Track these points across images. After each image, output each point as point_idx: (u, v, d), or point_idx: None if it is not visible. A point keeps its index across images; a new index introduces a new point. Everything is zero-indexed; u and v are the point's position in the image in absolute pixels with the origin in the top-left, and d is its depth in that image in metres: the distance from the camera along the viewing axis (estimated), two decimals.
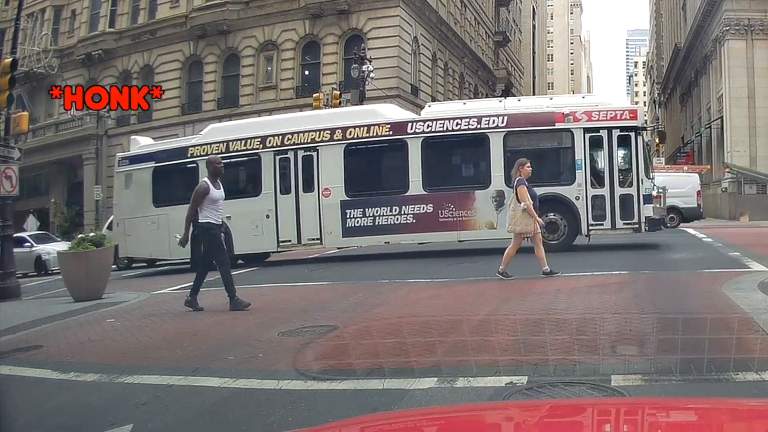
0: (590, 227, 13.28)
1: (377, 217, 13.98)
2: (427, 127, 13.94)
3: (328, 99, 29.09)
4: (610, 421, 1.83)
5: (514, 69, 66.07)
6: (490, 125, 13.57)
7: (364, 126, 14.21)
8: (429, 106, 16.40)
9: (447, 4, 43.30)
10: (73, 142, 38.35)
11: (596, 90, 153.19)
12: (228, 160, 14.71)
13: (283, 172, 14.59)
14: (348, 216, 14.08)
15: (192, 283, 8.94)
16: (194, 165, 14.88)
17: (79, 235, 11.94)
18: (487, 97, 55.16)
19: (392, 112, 15.42)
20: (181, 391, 4.89)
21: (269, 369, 5.32)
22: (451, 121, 13.85)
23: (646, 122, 14.77)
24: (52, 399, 4.99)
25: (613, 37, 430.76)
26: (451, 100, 45.33)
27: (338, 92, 29.74)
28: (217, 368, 5.43)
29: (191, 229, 8.90)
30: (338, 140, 14.32)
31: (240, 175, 15.92)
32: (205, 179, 8.83)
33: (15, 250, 18.81)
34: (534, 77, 79.83)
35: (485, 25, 54.47)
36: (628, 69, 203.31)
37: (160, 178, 15.77)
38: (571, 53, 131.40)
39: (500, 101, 15.29)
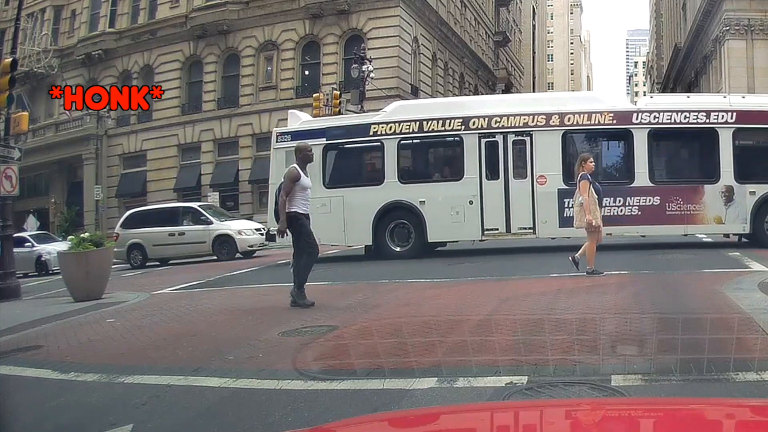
0: None
1: None
2: (654, 119, 13.39)
3: (328, 99, 29.10)
4: (610, 421, 1.83)
5: (514, 69, 66.08)
6: (719, 120, 13.20)
7: (584, 113, 13.61)
8: (651, 97, 15.73)
9: (447, 4, 43.30)
10: (73, 142, 38.36)
11: (596, 90, 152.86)
12: (421, 140, 14.43)
13: (490, 156, 13.79)
14: (566, 205, 13.15)
15: (298, 277, 8.40)
16: (378, 144, 14.22)
17: (82, 234, 11.90)
18: None
19: (613, 99, 14.84)
20: (181, 391, 4.89)
21: (269, 369, 5.32)
22: (679, 113, 13.40)
23: None
24: (52, 399, 4.99)
25: (613, 37, 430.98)
26: None
27: (338, 92, 29.76)
28: (217, 368, 5.43)
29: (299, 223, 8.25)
30: (555, 126, 13.56)
31: (436, 157, 15.18)
32: (294, 165, 8.35)
33: (16, 250, 18.82)
34: (534, 77, 79.84)
35: (485, 25, 54.47)
36: (628, 69, 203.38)
37: (333, 156, 14.77)
38: (571, 53, 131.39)
39: (724, 96, 14.78)
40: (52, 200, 40.29)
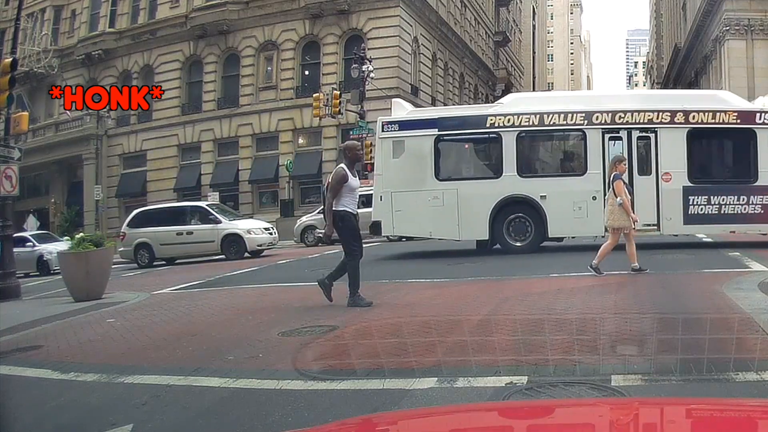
0: None
1: (722, 206, 13.34)
2: None
3: (328, 99, 29.11)
4: (610, 421, 1.83)
5: (514, 69, 66.09)
6: None
7: (709, 111, 13.54)
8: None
9: (447, 4, 43.31)
10: (73, 142, 38.36)
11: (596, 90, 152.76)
12: (542, 134, 14.21)
13: (614, 151, 13.50)
14: (691, 203, 13.25)
15: (349, 282, 8.22)
16: (495, 136, 13.97)
17: (77, 235, 11.88)
18: (487, 97, 55.20)
19: (735, 99, 14.78)
20: (181, 391, 4.89)
21: (269, 369, 5.32)
22: None
23: None
24: (52, 399, 4.99)
25: (613, 37, 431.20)
26: (451, 100, 45.37)
27: (338, 92, 29.76)
28: (217, 368, 5.43)
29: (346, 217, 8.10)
30: (680, 124, 13.48)
31: (558, 152, 14.95)
32: (342, 165, 8.25)
33: (17, 250, 18.82)
34: (534, 77, 79.86)
35: (485, 25, 54.47)
36: (628, 69, 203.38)
37: (446, 148, 14.45)
38: (571, 53, 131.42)
39: None
40: (52, 200, 40.29)
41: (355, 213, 8.19)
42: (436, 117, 14.89)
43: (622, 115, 13.67)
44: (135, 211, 21.17)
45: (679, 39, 52.05)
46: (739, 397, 3.65)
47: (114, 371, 5.51)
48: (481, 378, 4.56)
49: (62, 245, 17.32)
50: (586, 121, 13.73)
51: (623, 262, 10.35)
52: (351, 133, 30.80)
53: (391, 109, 15.54)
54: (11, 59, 12.09)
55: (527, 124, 13.76)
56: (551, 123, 13.90)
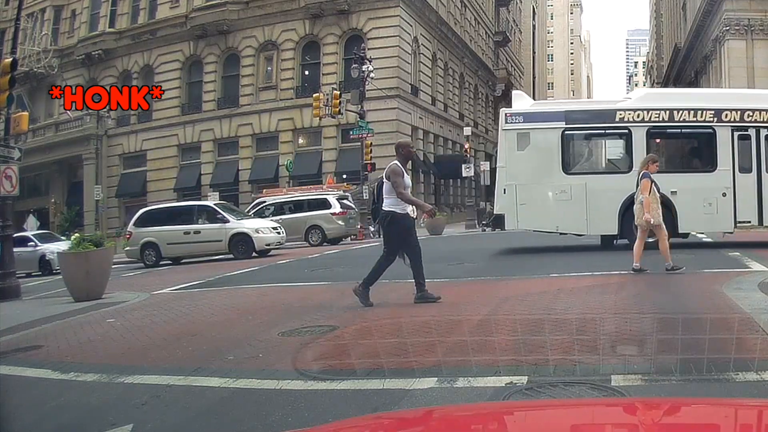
0: None
1: None
2: None
3: (328, 99, 29.11)
4: (610, 421, 1.83)
5: (514, 69, 66.09)
6: None
7: None
8: None
9: (447, 4, 43.32)
10: (73, 142, 38.39)
11: (596, 90, 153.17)
12: (672, 130, 14.16)
13: (743, 149, 13.70)
14: None
15: (369, 274, 8.20)
16: (625, 131, 13.91)
17: (73, 236, 11.87)
18: (487, 97, 55.21)
19: None
20: (181, 391, 4.89)
21: (269, 369, 5.32)
22: None
23: None
24: (52, 399, 4.99)
25: (613, 37, 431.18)
26: (451, 99, 45.37)
27: (338, 92, 29.76)
28: (217, 368, 5.43)
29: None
30: None
31: (687, 148, 14.88)
32: (396, 162, 8.11)
33: (20, 249, 18.82)
34: (534, 77, 79.87)
35: (485, 25, 54.47)
36: (628, 69, 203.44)
37: (573, 141, 14.37)
38: (571, 53, 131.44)
39: None
40: (52, 200, 40.31)
41: (405, 213, 8.06)
42: (563, 110, 14.83)
43: (751, 114, 13.66)
44: (141, 210, 21.06)
45: (679, 39, 52.06)
46: (739, 397, 3.65)
47: (114, 371, 5.51)
48: (481, 378, 4.56)
49: (64, 245, 17.30)
50: (715, 119, 13.68)
51: (623, 262, 10.36)
52: (351, 133, 30.83)
53: (512, 101, 15.35)
54: (11, 59, 12.08)
55: (657, 119, 13.69)
56: (681, 119, 13.83)
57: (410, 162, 8.52)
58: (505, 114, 14.43)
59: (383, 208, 8.02)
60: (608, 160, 14.94)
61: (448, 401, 4.18)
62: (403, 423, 2.02)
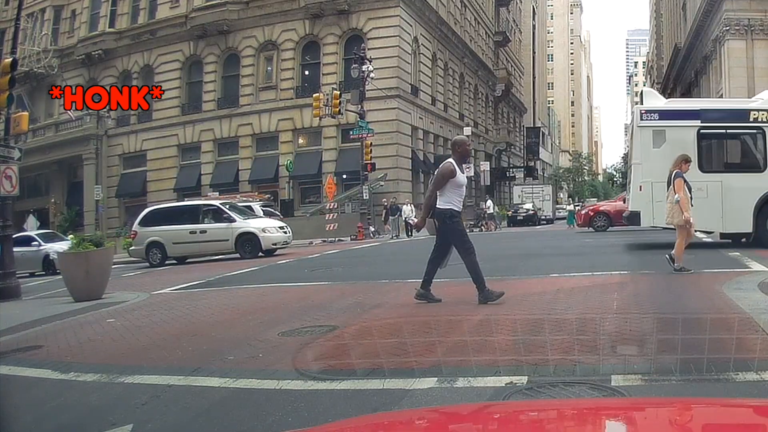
0: None
1: None
2: None
3: (328, 99, 29.11)
4: (610, 421, 1.83)
5: (514, 69, 66.08)
6: None
7: None
8: None
9: (447, 4, 43.32)
10: (73, 142, 38.40)
11: (596, 90, 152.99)
12: None
13: None
14: None
15: (424, 276, 8.11)
16: (759, 131, 13.96)
17: (70, 237, 11.85)
18: (487, 97, 55.19)
19: None
20: (181, 391, 4.89)
21: (269, 369, 5.32)
22: None
23: None
24: (52, 399, 4.99)
25: (613, 37, 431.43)
26: (451, 99, 45.37)
27: (338, 92, 29.77)
28: (217, 368, 5.43)
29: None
30: None
31: None
32: (450, 160, 7.94)
33: (23, 249, 18.80)
34: (534, 77, 79.85)
35: (485, 25, 54.47)
36: (628, 69, 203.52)
37: (708, 140, 14.42)
38: (571, 53, 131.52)
39: None
40: (52, 200, 40.32)
41: (460, 210, 7.92)
42: (698, 108, 14.93)
43: None
44: (146, 210, 20.92)
45: (679, 39, 52.05)
46: (739, 397, 3.65)
47: (114, 371, 5.51)
48: (481, 378, 4.56)
49: (68, 244, 17.31)
50: None
51: (623, 261, 10.36)
52: (351, 133, 30.85)
53: (642, 98, 15.29)
54: (11, 59, 12.08)
55: None
56: None
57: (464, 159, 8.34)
58: (641, 111, 14.42)
59: (438, 206, 7.82)
60: (742, 158, 14.91)
61: (448, 401, 4.18)
62: (403, 423, 2.02)
